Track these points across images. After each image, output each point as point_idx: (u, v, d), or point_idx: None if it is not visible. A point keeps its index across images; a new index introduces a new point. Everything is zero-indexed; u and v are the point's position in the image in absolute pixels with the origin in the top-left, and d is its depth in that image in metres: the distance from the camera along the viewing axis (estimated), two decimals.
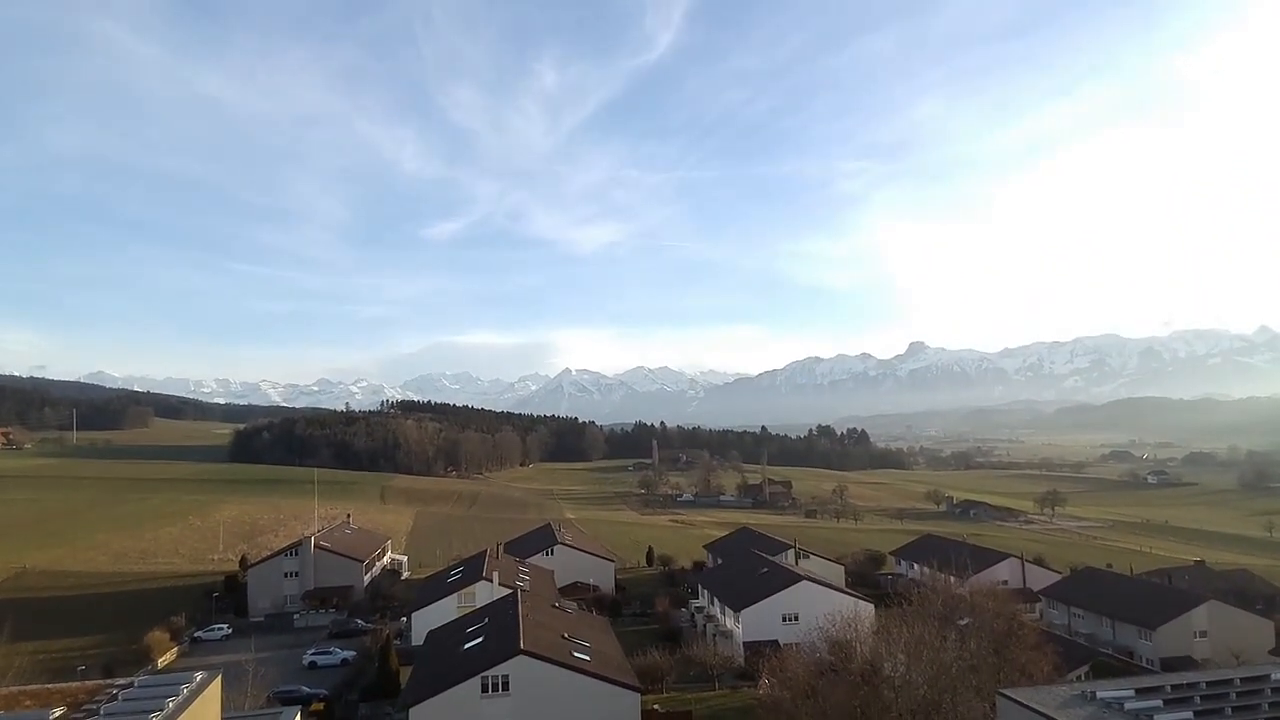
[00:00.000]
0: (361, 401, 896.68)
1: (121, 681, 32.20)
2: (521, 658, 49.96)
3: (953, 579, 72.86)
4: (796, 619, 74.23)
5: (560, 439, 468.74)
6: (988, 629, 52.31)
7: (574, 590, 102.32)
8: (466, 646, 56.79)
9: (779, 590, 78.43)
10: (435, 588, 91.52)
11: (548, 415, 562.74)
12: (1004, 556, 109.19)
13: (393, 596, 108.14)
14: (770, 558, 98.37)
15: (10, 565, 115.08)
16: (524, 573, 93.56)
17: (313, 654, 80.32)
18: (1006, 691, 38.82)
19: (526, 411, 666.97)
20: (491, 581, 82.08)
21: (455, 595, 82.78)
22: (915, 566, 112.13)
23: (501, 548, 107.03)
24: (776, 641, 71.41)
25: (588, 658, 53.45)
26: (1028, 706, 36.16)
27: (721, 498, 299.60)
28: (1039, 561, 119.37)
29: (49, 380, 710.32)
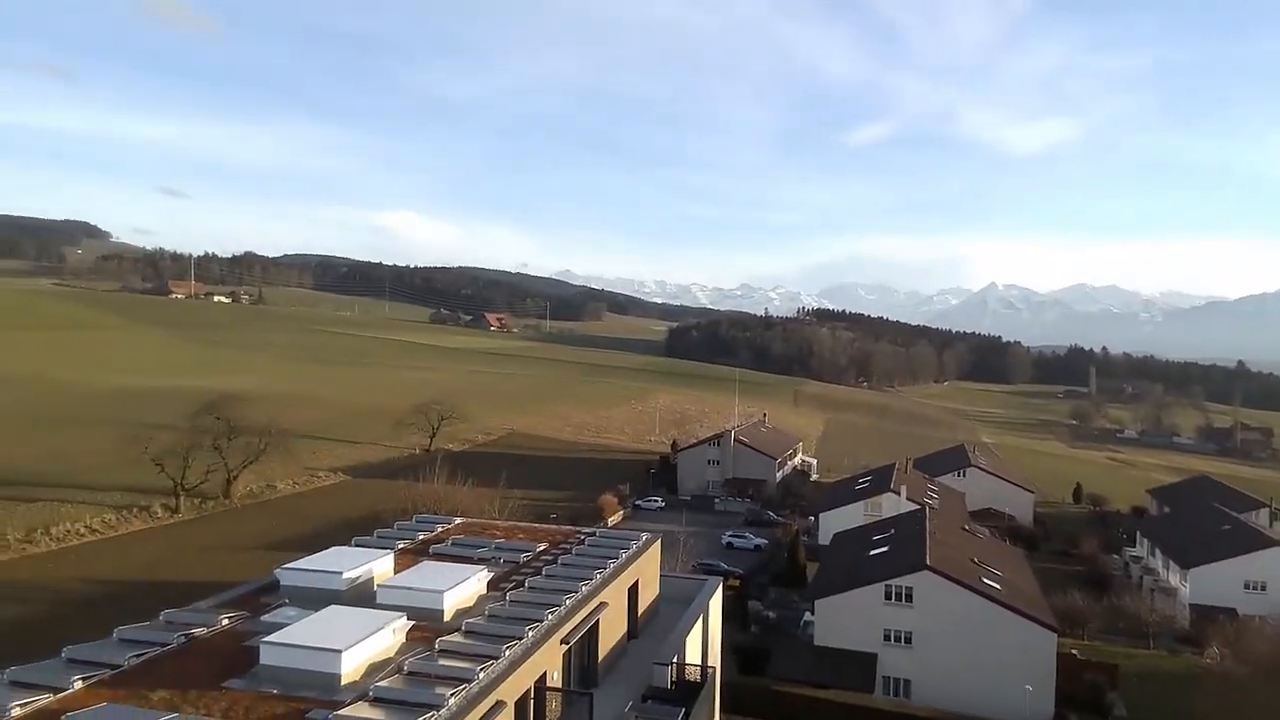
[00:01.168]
0: (779, 307, 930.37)
1: (586, 530, 39.11)
2: (927, 573, 50.00)
3: None
4: (1263, 589, 63.37)
5: (980, 357, 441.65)
6: None
7: (986, 517, 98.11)
8: (872, 553, 58.25)
9: (1243, 553, 67.48)
10: (843, 493, 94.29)
11: (967, 331, 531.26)
12: None
13: (802, 495, 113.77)
14: (1235, 514, 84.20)
15: (503, 426, 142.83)
16: (932, 491, 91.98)
17: (730, 535, 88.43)
18: None
19: (944, 326, 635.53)
20: (899, 494, 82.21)
21: (862, 503, 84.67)
22: None
23: (910, 463, 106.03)
24: (1234, 610, 61.91)
25: (998, 586, 51.65)
26: None
27: (1175, 439, 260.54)
28: None
29: (529, 276, 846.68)
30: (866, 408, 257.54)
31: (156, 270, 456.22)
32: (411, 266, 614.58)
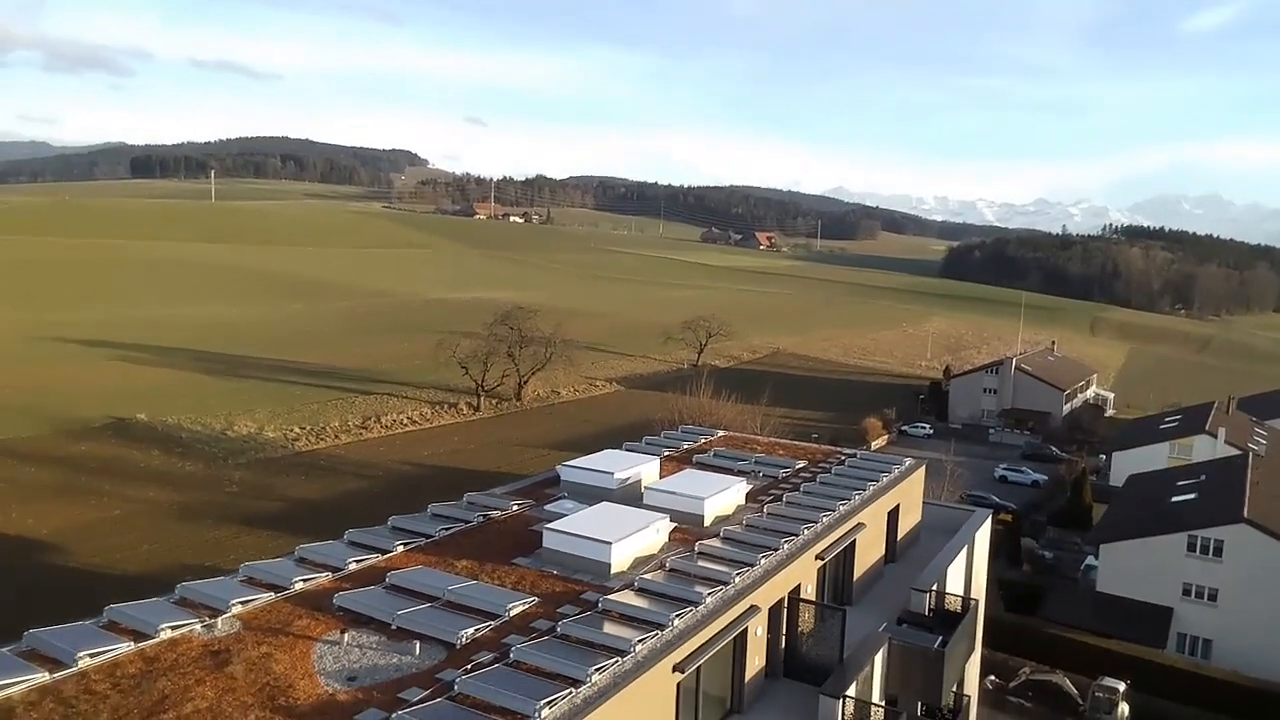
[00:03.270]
0: (1080, 224, 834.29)
1: (848, 451, 38.82)
2: (1244, 527, 44.10)
3: None
4: None
5: None
6: None
7: None
8: (1175, 499, 52.28)
9: None
10: (1143, 431, 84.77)
11: None
12: None
13: (1092, 431, 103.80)
14: None
15: (769, 344, 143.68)
16: (1260, 436, 79.70)
17: (1005, 469, 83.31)
18: None
19: None
20: (1215, 436, 72.42)
21: (1167, 444, 75.70)
22: None
23: (1234, 402, 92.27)
24: None
25: None
26: None
27: None
28: None
29: (800, 194, 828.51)
30: (1183, 338, 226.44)
31: (464, 193, 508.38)
32: (685, 186, 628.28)
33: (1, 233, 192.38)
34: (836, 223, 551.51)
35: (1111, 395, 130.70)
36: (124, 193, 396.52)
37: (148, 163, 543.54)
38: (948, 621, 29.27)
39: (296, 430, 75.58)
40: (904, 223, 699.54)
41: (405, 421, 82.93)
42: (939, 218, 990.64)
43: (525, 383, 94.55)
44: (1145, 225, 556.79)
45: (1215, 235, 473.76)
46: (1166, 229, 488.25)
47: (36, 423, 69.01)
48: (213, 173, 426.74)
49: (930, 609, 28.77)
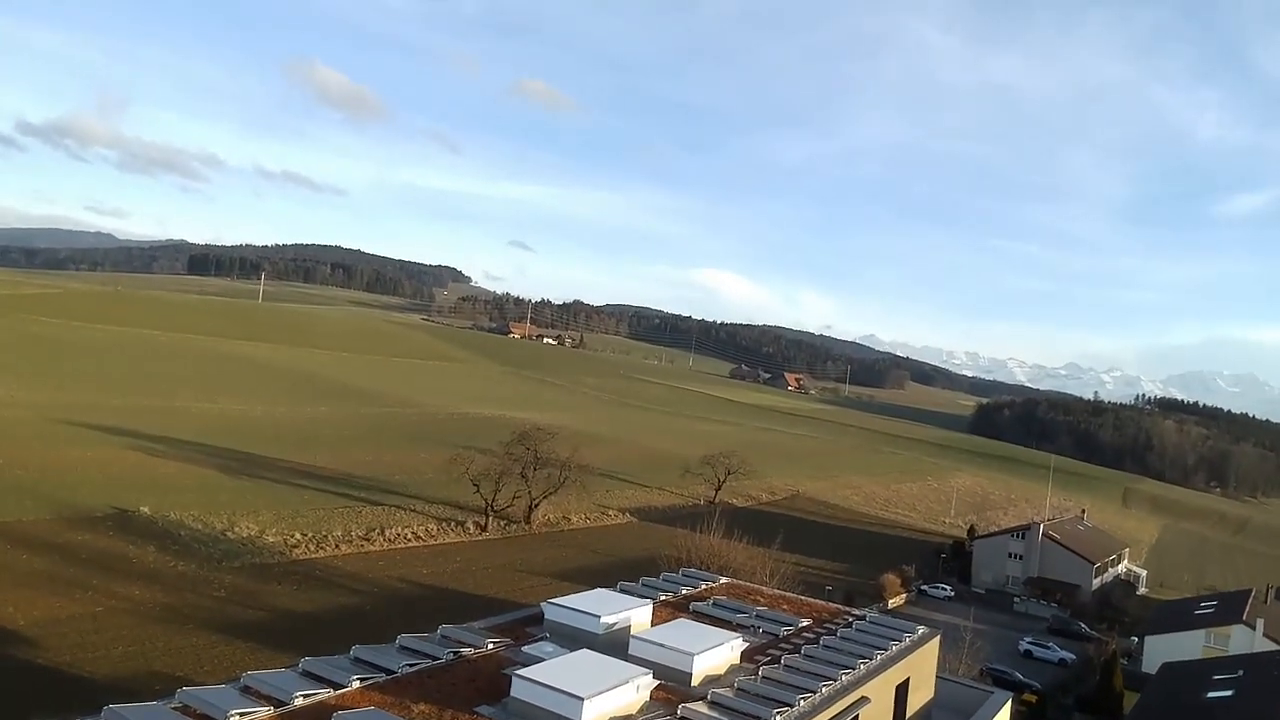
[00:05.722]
0: (1112, 392, 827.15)
1: (858, 612, 36.64)
2: None
3: None
4: None
5: None
6: None
7: None
8: (1210, 695, 48.47)
9: None
10: (1177, 615, 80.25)
11: None
12: None
13: (1124, 610, 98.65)
14: None
15: (789, 487, 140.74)
16: None
17: (1029, 643, 78.69)
18: None
19: None
20: (1254, 629, 68.12)
21: (1203, 632, 71.34)
22: None
23: (1273, 591, 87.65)
24: None
25: None
26: None
27: None
28: None
29: (831, 338, 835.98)
30: (1218, 517, 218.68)
31: (501, 312, 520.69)
32: (719, 322, 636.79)
33: (49, 316, 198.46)
34: (866, 370, 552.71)
35: (1144, 572, 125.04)
36: (177, 287, 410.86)
37: (205, 261, 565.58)
38: None
39: (297, 536, 73.87)
40: (934, 375, 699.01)
41: (409, 536, 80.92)
42: (969, 373, 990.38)
43: (536, 506, 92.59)
44: (1180, 399, 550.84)
45: (1251, 414, 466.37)
46: (1201, 404, 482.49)
47: (39, 506, 68.26)
48: (263, 274, 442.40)
49: None
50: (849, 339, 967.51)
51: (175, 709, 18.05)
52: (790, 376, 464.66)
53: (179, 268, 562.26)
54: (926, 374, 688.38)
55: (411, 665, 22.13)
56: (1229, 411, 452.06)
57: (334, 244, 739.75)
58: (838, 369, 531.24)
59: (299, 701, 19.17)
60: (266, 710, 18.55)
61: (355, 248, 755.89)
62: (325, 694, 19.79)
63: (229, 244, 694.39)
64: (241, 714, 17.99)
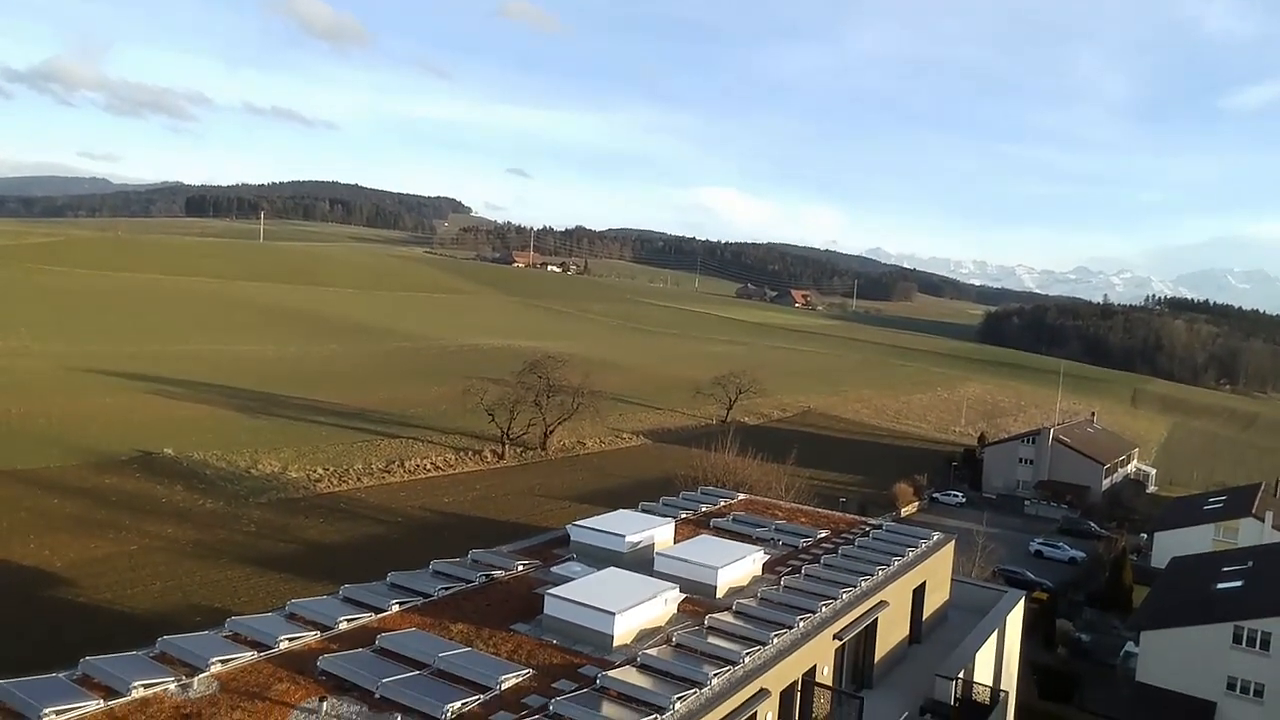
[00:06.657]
0: (1122, 294, 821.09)
1: (873, 521, 37.40)
2: None
3: None
4: None
5: None
6: None
7: None
8: (1219, 586, 49.72)
9: None
10: (1187, 511, 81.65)
11: None
12: None
13: (1133, 508, 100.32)
14: None
15: (800, 403, 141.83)
16: None
17: (1040, 543, 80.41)
18: None
19: None
20: (1263, 520, 69.43)
21: (1212, 526, 72.71)
22: None
23: None
24: None
25: None
26: None
27: None
28: None
29: (837, 253, 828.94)
30: (1227, 414, 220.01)
31: (504, 241, 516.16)
32: (723, 242, 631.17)
33: (54, 265, 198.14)
34: (873, 283, 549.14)
35: (1154, 471, 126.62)
36: (176, 230, 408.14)
37: (202, 202, 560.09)
38: (975, 714, 27.65)
39: (320, 471, 75.33)
40: (941, 286, 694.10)
41: (429, 467, 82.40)
42: (977, 282, 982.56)
43: (551, 432, 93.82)
44: (1189, 298, 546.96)
45: (1262, 310, 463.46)
46: (1211, 302, 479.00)
47: (65, 453, 69.57)
48: (262, 214, 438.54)
49: (956, 698, 27.17)
50: (855, 253, 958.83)
51: (226, 637, 18.82)
52: (797, 293, 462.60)
53: (176, 210, 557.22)
54: (934, 285, 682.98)
55: (447, 588, 22.89)
56: (1239, 308, 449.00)
57: (331, 180, 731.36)
58: (844, 284, 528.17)
59: (343, 625, 19.95)
60: (314, 634, 19.30)
61: (353, 182, 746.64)
62: (367, 617, 20.56)
63: (225, 184, 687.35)
64: (291, 638, 18.74)
